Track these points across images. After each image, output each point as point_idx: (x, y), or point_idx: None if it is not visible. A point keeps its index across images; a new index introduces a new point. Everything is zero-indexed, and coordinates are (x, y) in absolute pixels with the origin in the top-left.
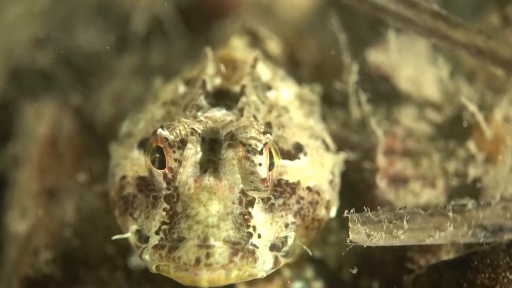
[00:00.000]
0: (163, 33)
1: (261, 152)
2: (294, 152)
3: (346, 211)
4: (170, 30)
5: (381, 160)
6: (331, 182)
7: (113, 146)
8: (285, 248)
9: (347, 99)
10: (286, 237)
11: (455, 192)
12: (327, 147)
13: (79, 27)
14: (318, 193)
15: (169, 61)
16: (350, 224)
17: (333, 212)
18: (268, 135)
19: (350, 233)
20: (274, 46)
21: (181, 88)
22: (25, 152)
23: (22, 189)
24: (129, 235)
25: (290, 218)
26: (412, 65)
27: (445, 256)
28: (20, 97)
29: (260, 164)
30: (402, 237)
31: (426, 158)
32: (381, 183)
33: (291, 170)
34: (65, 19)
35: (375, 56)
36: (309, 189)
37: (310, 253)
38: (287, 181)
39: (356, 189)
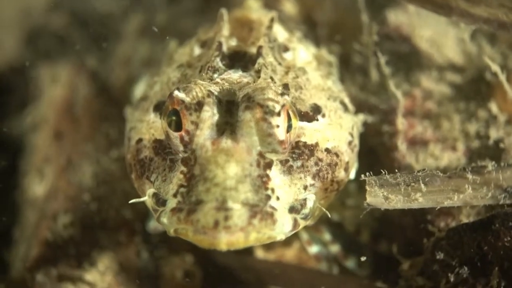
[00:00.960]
0: None
1: (278, 114)
2: (312, 114)
3: (363, 174)
4: None
5: (400, 123)
6: (350, 143)
7: (129, 109)
8: (305, 210)
9: (366, 61)
10: (305, 199)
11: (476, 155)
12: (345, 108)
13: None
14: (336, 154)
15: (182, 23)
16: (367, 187)
17: (352, 174)
18: (286, 96)
19: (367, 196)
20: (290, 6)
21: (197, 50)
22: (41, 116)
23: (40, 153)
24: (146, 198)
25: (309, 180)
26: (433, 26)
27: (465, 219)
28: (36, 61)
29: (278, 126)
30: (420, 200)
31: (446, 120)
32: (401, 146)
33: (309, 132)
34: None
35: (394, 17)
36: (327, 150)
37: (329, 215)
38: (305, 143)
39: (375, 152)
